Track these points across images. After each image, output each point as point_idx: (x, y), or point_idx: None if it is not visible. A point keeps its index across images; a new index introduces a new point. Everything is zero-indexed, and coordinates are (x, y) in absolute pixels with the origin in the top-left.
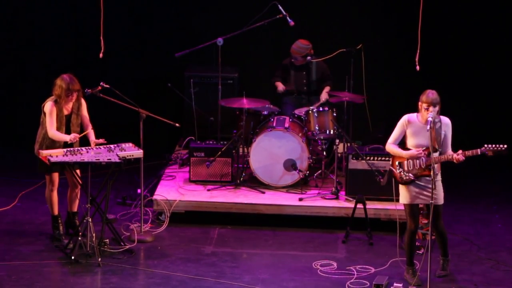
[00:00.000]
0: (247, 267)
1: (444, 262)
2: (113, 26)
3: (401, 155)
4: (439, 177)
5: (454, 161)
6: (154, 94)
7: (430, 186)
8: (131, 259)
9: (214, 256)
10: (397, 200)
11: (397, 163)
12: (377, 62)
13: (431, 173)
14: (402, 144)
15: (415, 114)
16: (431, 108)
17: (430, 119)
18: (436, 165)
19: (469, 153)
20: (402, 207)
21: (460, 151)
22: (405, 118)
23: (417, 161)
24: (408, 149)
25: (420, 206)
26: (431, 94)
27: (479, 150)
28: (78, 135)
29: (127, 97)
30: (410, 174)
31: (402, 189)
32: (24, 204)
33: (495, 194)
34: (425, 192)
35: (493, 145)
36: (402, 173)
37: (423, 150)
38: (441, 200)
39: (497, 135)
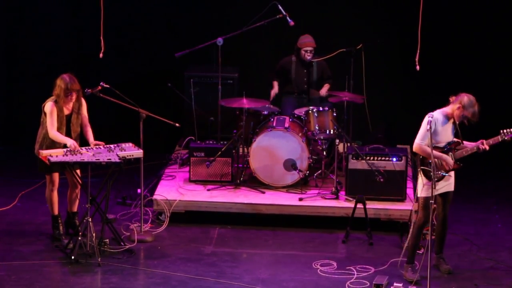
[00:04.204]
0: (247, 267)
1: (443, 259)
2: (113, 26)
3: (433, 155)
4: None
5: (480, 151)
6: (154, 94)
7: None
8: (131, 259)
9: (214, 256)
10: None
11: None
12: (377, 62)
13: (431, 169)
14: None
15: (439, 111)
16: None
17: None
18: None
19: (491, 141)
20: (402, 207)
21: (483, 141)
22: (435, 116)
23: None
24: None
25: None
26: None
27: (499, 137)
28: (77, 146)
29: (127, 97)
30: (442, 172)
31: (423, 183)
32: (24, 204)
33: (495, 194)
34: (440, 182)
35: (509, 129)
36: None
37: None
38: (453, 187)
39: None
